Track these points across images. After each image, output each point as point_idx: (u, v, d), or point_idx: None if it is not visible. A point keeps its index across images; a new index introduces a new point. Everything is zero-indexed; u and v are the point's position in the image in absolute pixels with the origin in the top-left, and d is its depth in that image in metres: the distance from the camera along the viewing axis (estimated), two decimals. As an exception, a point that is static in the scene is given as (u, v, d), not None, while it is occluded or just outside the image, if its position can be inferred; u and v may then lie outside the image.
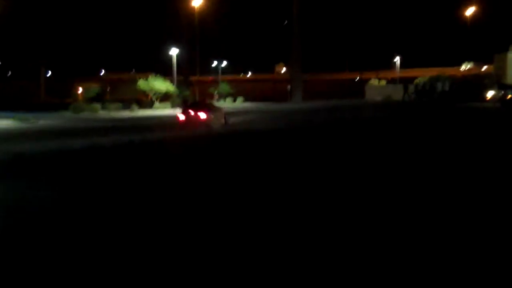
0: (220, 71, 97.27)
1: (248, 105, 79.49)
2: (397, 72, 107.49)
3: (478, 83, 71.01)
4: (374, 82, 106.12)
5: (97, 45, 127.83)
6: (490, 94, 62.33)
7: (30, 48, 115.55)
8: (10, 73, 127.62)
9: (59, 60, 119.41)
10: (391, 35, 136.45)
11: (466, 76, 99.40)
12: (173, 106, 65.15)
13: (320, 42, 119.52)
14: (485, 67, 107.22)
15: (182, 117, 33.03)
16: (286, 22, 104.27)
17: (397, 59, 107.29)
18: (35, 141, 26.07)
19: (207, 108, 33.97)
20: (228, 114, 37.16)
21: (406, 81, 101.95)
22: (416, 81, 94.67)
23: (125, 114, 57.46)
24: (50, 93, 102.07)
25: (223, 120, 34.38)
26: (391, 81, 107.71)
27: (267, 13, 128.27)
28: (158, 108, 64.27)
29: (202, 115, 32.27)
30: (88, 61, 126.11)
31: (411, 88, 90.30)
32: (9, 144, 24.80)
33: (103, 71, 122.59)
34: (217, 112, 34.44)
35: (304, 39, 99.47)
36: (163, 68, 76.36)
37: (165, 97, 68.90)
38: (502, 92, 60.68)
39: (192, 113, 32.66)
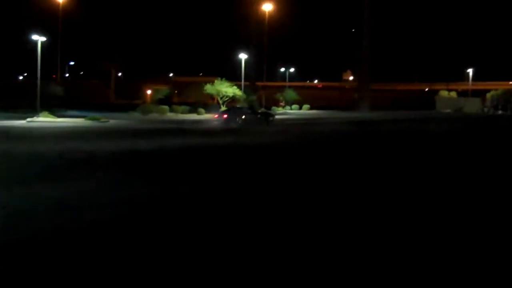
0: (287, 77, 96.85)
1: (313, 112, 78.78)
2: (469, 85, 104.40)
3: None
4: (444, 93, 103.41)
5: (166, 48, 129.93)
6: None
7: (102, 49, 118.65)
8: (82, 73, 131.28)
9: (129, 62, 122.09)
10: (464, 46, 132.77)
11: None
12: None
13: (390, 51, 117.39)
14: None
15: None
16: (354, 30, 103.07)
17: (470, 71, 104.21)
18: (119, 140, 26.41)
19: (230, 111, 46.99)
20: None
21: (477, 94, 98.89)
22: (488, 94, 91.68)
23: (192, 117, 57.77)
24: (119, 94, 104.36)
25: (240, 120, 43.91)
26: (462, 93, 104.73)
27: (336, 21, 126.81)
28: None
29: (224, 116, 45.21)
30: (157, 63, 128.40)
31: (487, 101, 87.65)
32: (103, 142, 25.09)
33: (171, 74, 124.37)
34: (237, 114, 45.34)
35: (373, 47, 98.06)
36: (230, 73, 76.44)
37: (232, 102, 68.86)
38: None
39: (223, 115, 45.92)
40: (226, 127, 39.57)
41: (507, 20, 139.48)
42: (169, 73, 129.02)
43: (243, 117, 44.19)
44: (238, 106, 56.38)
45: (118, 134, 31.64)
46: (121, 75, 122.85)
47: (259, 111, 50.71)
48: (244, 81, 72.68)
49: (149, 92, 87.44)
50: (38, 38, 49.38)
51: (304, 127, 42.15)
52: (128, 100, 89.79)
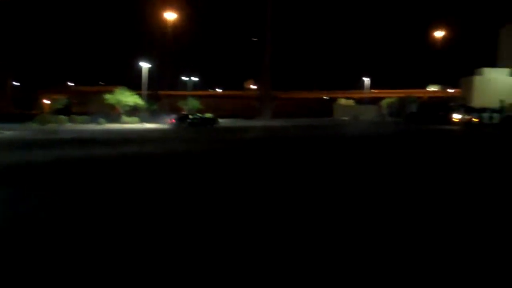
0: (190, 86, 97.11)
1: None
2: (365, 93, 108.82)
3: (445, 105, 72.49)
4: (341, 101, 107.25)
5: (65, 57, 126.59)
6: (456, 116, 63.49)
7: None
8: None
9: (26, 70, 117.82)
10: (361, 56, 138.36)
11: (433, 98, 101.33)
12: (142, 120, 64.57)
13: (290, 60, 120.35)
14: (451, 91, 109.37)
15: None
16: (255, 39, 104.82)
17: (366, 80, 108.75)
18: (13, 152, 25.49)
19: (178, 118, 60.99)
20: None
21: (374, 102, 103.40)
22: (383, 102, 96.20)
23: (92, 127, 56.73)
24: (16, 103, 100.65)
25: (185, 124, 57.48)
26: (359, 101, 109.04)
27: (238, 30, 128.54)
28: (126, 122, 63.58)
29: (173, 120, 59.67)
30: (55, 72, 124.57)
31: (382, 109, 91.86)
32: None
33: (70, 84, 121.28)
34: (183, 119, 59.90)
35: (274, 57, 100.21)
36: (132, 82, 75.84)
37: (133, 111, 68.32)
38: (469, 115, 62.03)
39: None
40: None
41: (400, 32, 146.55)
42: (68, 82, 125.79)
43: (188, 121, 59.88)
44: (184, 113, 67.95)
45: (18, 145, 30.69)
46: (18, 84, 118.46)
47: (206, 117, 64.02)
48: (147, 90, 72.29)
49: (47, 102, 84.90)
50: None
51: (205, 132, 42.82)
52: (25, 110, 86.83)
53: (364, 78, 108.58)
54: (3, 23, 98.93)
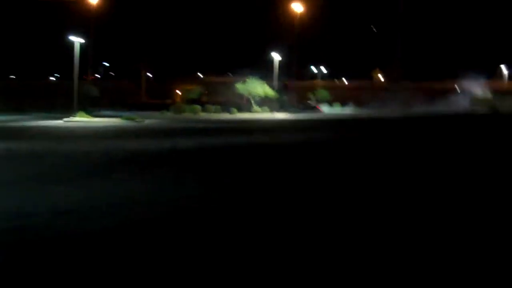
0: (319, 76, 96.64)
1: (342, 110, 78.97)
2: (505, 83, 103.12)
3: None
4: (477, 91, 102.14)
5: (194, 48, 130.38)
6: None
7: (131, 50, 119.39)
8: (112, 73, 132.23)
9: (158, 62, 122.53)
10: (497, 43, 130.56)
11: None
12: (272, 110, 64.84)
13: (422, 49, 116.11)
14: None
15: None
16: (375, 30, 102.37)
17: (505, 68, 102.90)
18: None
19: None
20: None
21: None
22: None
23: (225, 116, 57.79)
24: (150, 94, 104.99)
25: None
26: (496, 91, 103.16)
27: (366, 20, 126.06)
28: (257, 112, 64.14)
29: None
30: (185, 63, 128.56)
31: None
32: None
33: (200, 74, 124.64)
34: None
35: (404, 45, 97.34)
36: (258, 73, 76.23)
37: (261, 102, 68.67)
38: None
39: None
40: None
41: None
42: (197, 73, 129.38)
43: None
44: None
45: (159, 133, 31.79)
46: (152, 75, 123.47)
47: None
48: (274, 80, 72.52)
49: (178, 92, 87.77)
50: (76, 40, 49.96)
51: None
52: (158, 100, 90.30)
53: (502, 66, 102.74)
54: (137, 15, 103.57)
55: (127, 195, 11.19)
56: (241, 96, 71.14)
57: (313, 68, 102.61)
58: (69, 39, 51.66)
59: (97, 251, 7.16)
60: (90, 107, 53.34)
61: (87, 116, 46.92)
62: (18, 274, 6.23)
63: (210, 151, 21.34)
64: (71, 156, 19.42)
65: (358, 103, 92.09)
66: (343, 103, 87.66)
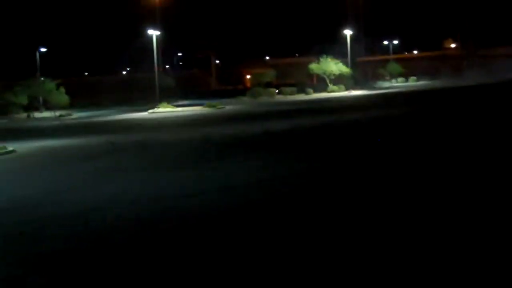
0: (390, 50, 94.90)
1: (417, 83, 77.17)
2: None
3: None
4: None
5: (260, 30, 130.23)
6: None
7: (198, 38, 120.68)
8: (181, 63, 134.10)
9: (224, 47, 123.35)
10: None
11: None
12: (348, 88, 64.07)
13: (495, 13, 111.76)
14: None
15: None
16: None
17: None
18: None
19: None
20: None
21: None
22: None
23: (301, 97, 57.69)
24: (220, 80, 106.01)
25: None
26: None
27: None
28: (333, 90, 63.57)
29: None
30: (251, 47, 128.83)
31: None
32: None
33: (267, 57, 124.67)
34: None
35: (475, 11, 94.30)
36: (330, 51, 75.24)
37: (335, 80, 67.75)
38: None
39: None
40: None
41: None
42: (264, 56, 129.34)
43: None
44: None
45: (246, 118, 31.98)
46: (219, 62, 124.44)
47: None
48: (344, 57, 71.51)
49: (248, 76, 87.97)
50: (153, 33, 50.92)
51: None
52: (229, 85, 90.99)
53: None
54: (200, 5, 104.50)
55: (257, 175, 11.39)
56: (311, 76, 70.74)
57: (384, 42, 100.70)
58: (146, 32, 52.63)
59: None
60: (169, 98, 54.24)
61: (169, 106, 47.71)
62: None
63: (308, 131, 21.34)
64: (178, 144, 19.87)
65: (433, 74, 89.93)
66: (418, 76, 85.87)
